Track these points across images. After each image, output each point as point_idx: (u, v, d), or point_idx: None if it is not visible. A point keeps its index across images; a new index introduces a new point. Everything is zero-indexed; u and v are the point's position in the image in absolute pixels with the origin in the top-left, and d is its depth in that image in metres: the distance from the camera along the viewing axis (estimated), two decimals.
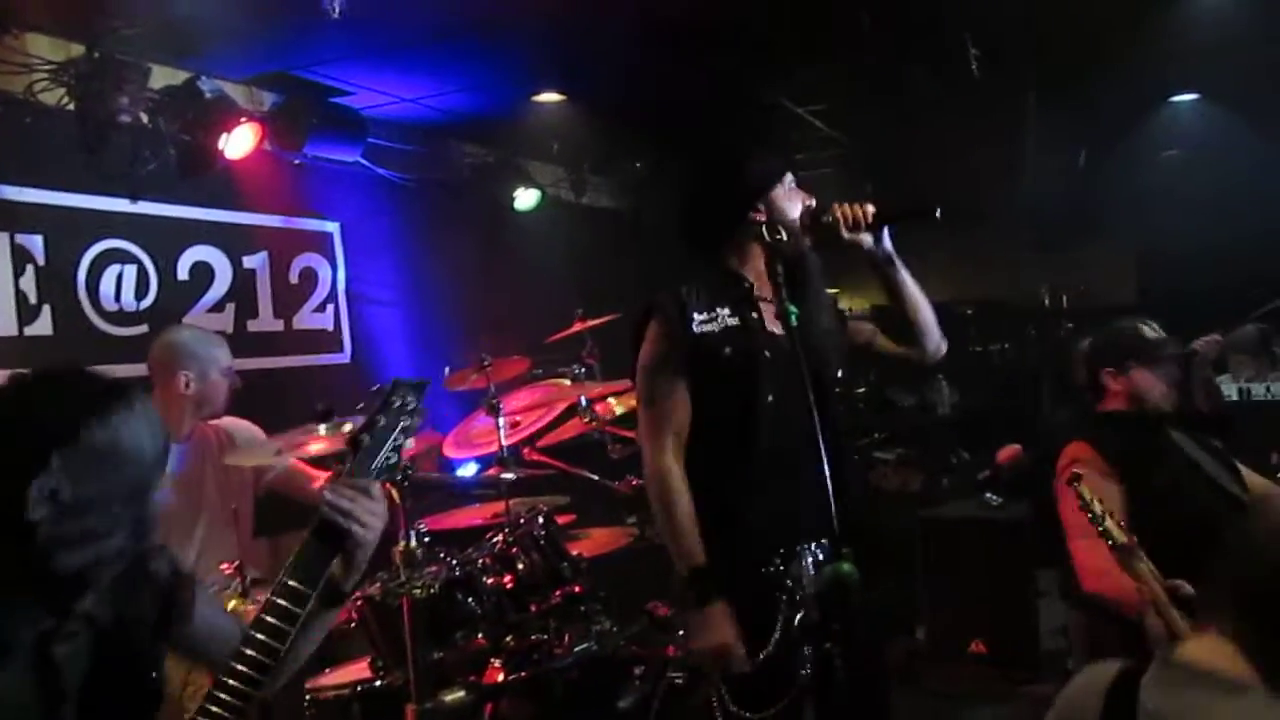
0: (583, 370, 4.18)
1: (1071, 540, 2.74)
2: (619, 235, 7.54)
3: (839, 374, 2.52)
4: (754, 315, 2.43)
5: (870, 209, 2.42)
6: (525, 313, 5.95)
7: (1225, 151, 6.86)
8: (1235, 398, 5.59)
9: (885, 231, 2.47)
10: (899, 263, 2.51)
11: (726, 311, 2.41)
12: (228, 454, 3.40)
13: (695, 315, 2.39)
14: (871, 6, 4.46)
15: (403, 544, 2.70)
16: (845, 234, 2.43)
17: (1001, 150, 6.25)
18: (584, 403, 3.93)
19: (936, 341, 2.61)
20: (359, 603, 3.04)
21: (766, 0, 4.50)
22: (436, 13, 4.24)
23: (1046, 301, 8.54)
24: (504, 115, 5.79)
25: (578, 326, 4.34)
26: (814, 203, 2.50)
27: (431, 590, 2.90)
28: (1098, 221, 8.11)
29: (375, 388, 1.77)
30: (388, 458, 1.70)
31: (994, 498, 5.90)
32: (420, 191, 5.99)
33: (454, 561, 3.20)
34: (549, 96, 5.62)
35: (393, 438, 1.71)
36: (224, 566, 3.10)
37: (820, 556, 2.33)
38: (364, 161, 5.50)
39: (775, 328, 2.40)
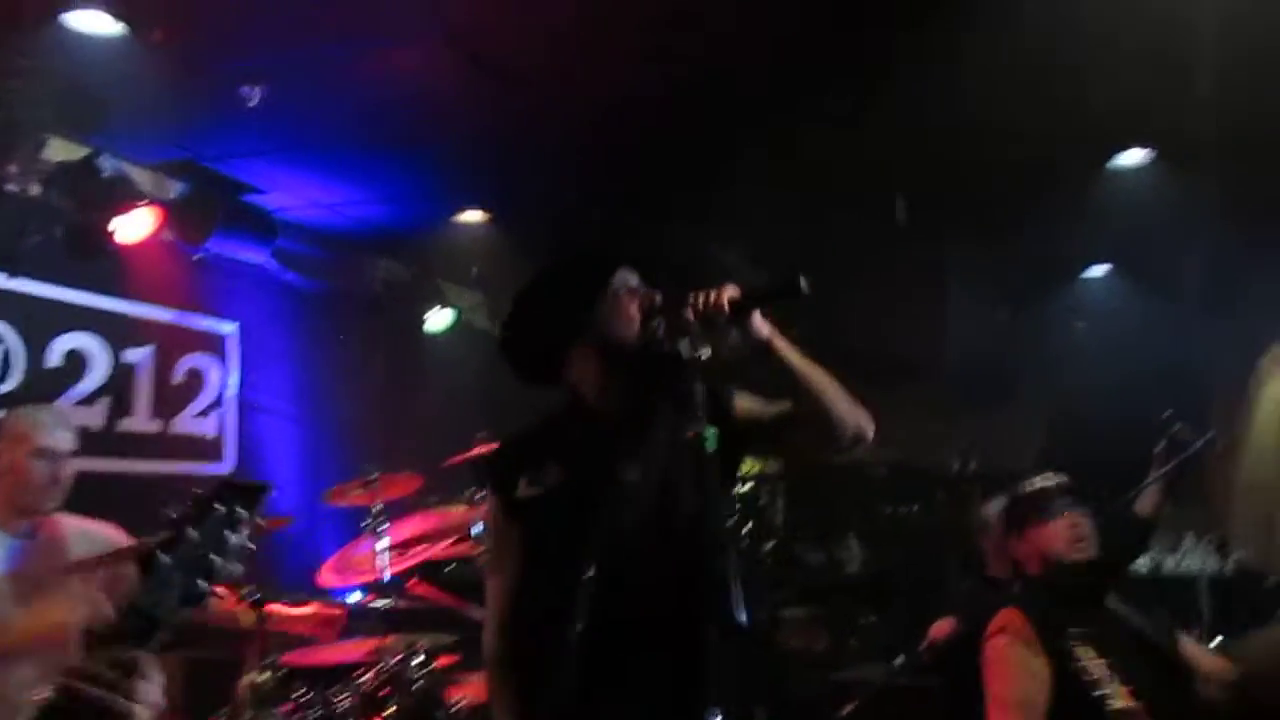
0: (482, 496, 3.88)
1: (995, 711, 2.53)
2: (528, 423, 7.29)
3: (717, 512, 1.94)
4: (596, 466, 2.06)
5: (728, 295, 1.98)
6: (427, 437, 5.65)
7: (1133, 323, 7.01)
8: (1144, 573, 5.53)
9: (754, 317, 2.01)
10: (781, 343, 2.05)
11: (558, 466, 2.10)
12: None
13: (520, 479, 2.11)
14: (806, 145, 4.44)
15: (251, 676, 2.34)
16: (699, 331, 1.97)
17: (924, 305, 6.26)
18: (481, 529, 3.62)
19: (854, 426, 2.11)
20: None
21: (703, 128, 4.45)
22: (360, 116, 4.09)
23: (956, 466, 8.52)
24: (423, 231, 5.63)
25: (478, 450, 4.07)
26: (658, 298, 2.10)
27: None
28: (1010, 387, 8.21)
29: (196, 491, 1.38)
30: (192, 587, 1.30)
31: (900, 662, 5.69)
32: (328, 301, 5.74)
33: (312, 701, 2.82)
34: (472, 216, 5.47)
35: (207, 558, 1.32)
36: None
37: None
38: (270, 263, 5.24)
39: (629, 469, 2.05)
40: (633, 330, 2.08)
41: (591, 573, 1.96)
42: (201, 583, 1.30)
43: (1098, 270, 7.00)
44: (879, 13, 3.62)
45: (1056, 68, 3.92)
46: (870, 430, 2.15)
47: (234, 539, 1.34)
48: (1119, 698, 2.19)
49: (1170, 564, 5.84)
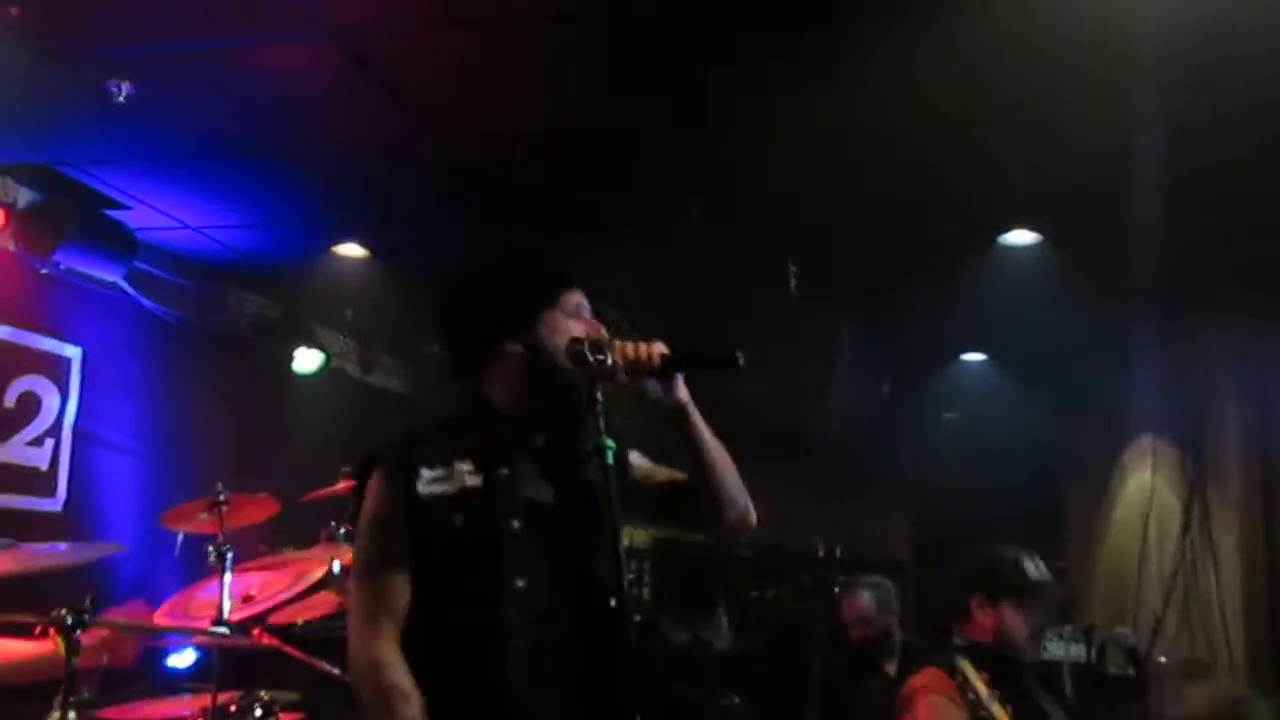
0: (343, 532, 3.58)
1: None
2: (405, 425, 6.97)
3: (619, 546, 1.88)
4: (504, 471, 1.97)
5: (658, 350, 1.95)
6: (286, 482, 5.29)
7: (1003, 412, 7.16)
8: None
9: (678, 379, 1.99)
10: (695, 415, 2.02)
11: (468, 467, 1.95)
12: None
13: (424, 471, 1.94)
14: (703, 198, 4.38)
15: (55, 716, 2.00)
16: (623, 377, 1.95)
17: (810, 380, 6.25)
18: (336, 570, 3.32)
19: (740, 511, 2.08)
20: None
21: (597, 179, 4.34)
22: (235, 121, 3.82)
23: (821, 551, 8.53)
24: (296, 263, 5.32)
25: (342, 485, 3.77)
26: (603, 333, 2.04)
27: None
28: (880, 472, 8.28)
29: None
30: None
31: None
32: (186, 332, 5.35)
33: None
34: (350, 249, 5.21)
35: None
36: None
37: None
38: (125, 285, 4.87)
39: (536, 487, 1.97)
40: (561, 356, 1.98)
41: (521, 585, 1.86)
42: None
43: (973, 356, 7.13)
44: (776, 75, 3.60)
45: (954, 138, 3.98)
46: (753, 520, 2.13)
47: None
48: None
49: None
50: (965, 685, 2.32)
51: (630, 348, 1.96)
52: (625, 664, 1.80)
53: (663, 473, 2.15)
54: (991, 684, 2.41)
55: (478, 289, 2.13)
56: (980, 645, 2.71)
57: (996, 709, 2.33)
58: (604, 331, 2.05)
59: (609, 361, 1.92)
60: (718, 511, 2.06)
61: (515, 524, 1.91)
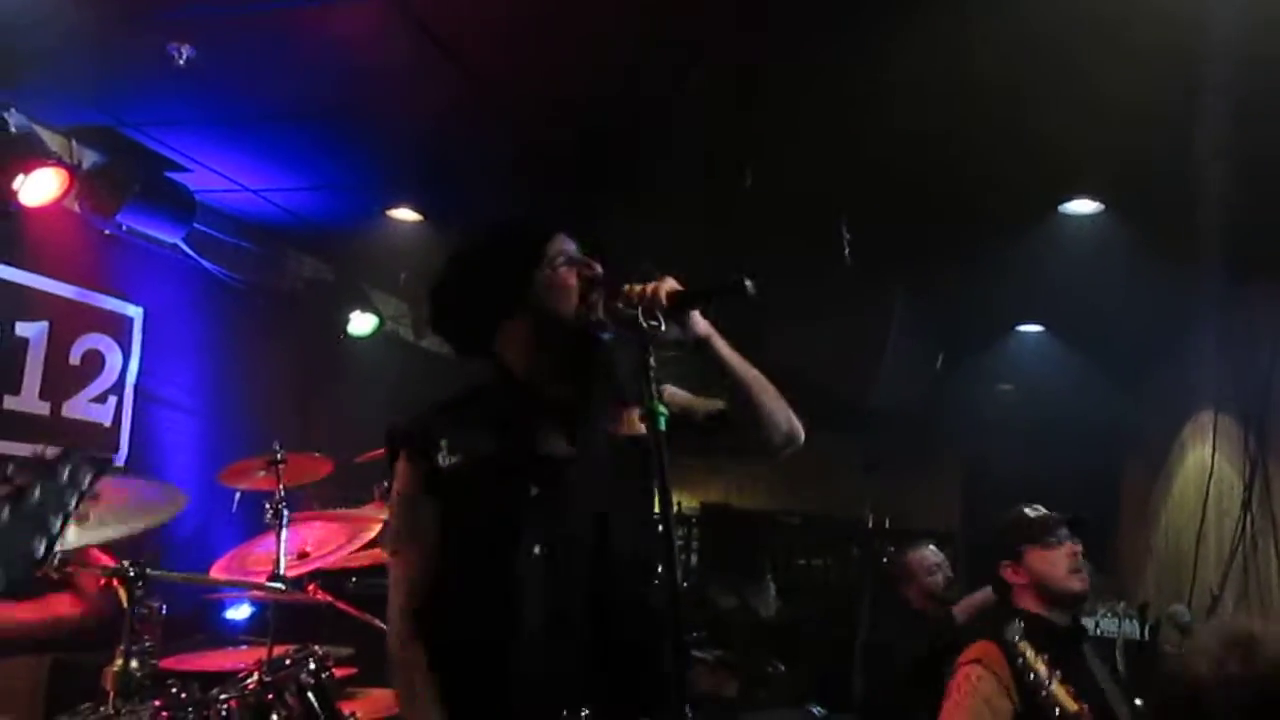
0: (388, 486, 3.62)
1: None
2: (455, 388, 7.02)
3: (650, 503, 1.86)
4: (525, 436, 1.96)
5: (668, 288, 1.89)
6: (338, 436, 5.36)
7: (1059, 385, 7.04)
8: None
9: (693, 315, 1.94)
10: (719, 342, 1.98)
11: (489, 436, 1.95)
12: None
13: (444, 444, 1.94)
14: (759, 166, 4.34)
15: (119, 664, 2.06)
16: (642, 321, 1.87)
17: (864, 348, 6.19)
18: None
19: (786, 428, 2.05)
20: None
21: (657, 146, 4.32)
22: (296, 86, 3.85)
23: (870, 521, 8.50)
24: (353, 228, 5.36)
25: None
26: (599, 270, 1.99)
27: None
28: (929, 444, 8.20)
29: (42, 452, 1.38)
30: (31, 544, 1.29)
31: (819, 710, 5.57)
32: (244, 293, 5.43)
33: (186, 701, 2.53)
34: (405, 214, 5.23)
35: (46, 519, 1.31)
36: None
37: None
38: (185, 247, 4.95)
39: (562, 448, 1.96)
40: (570, 302, 1.96)
41: (538, 551, 1.85)
42: (38, 542, 1.30)
43: (1030, 327, 7.01)
44: (841, 41, 3.54)
45: (1016, 108, 3.89)
46: (802, 434, 2.08)
47: (73, 505, 1.34)
48: (1067, 701, 2.19)
49: (1089, 626, 5.79)
50: (1025, 668, 2.33)
51: (639, 289, 1.89)
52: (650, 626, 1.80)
53: (704, 404, 2.11)
54: (1051, 663, 2.39)
55: (461, 274, 2.09)
56: (1032, 617, 2.69)
57: (1058, 689, 2.32)
58: (597, 269, 2.00)
59: (617, 306, 1.89)
60: (763, 434, 2.03)
61: (534, 490, 1.90)
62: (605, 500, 1.91)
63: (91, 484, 1.37)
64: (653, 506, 1.75)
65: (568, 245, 2.01)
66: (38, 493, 1.31)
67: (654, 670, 1.81)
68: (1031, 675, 2.35)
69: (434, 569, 1.93)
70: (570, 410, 1.99)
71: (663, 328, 1.87)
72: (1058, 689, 2.33)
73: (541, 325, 1.97)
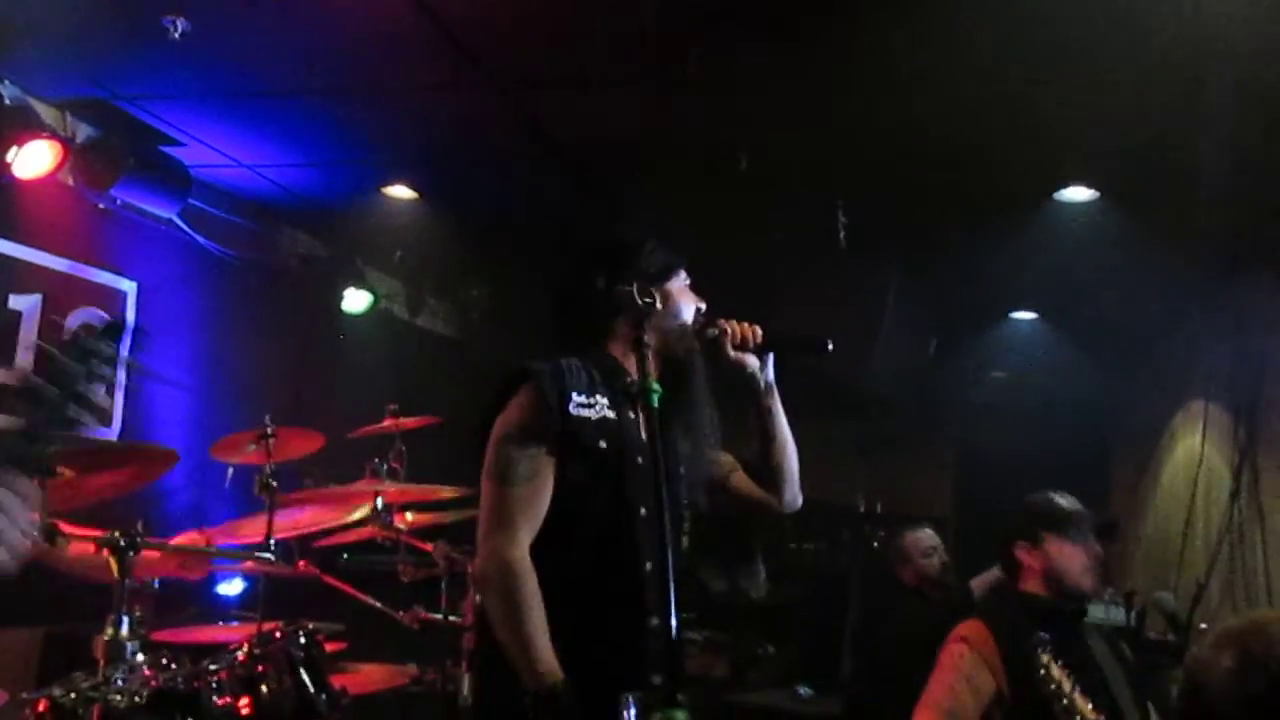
0: (386, 469, 3.65)
1: (922, 710, 2.47)
2: (450, 367, 7.04)
3: (697, 505, 2.23)
4: (631, 415, 2.14)
5: (759, 330, 2.22)
6: (332, 418, 5.38)
7: (1052, 372, 7.05)
8: None
9: (769, 358, 2.27)
10: (776, 396, 2.28)
11: (605, 402, 2.12)
12: None
13: (574, 394, 2.08)
14: (751, 148, 4.33)
15: (109, 632, 2.07)
16: (731, 351, 2.19)
17: (858, 330, 6.21)
18: (379, 506, 3.39)
19: (795, 492, 2.35)
20: (39, 707, 2.34)
21: (653, 128, 4.32)
22: (293, 60, 3.84)
23: (862, 506, 8.53)
24: (347, 205, 5.36)
25: (389, 424, 3.84)
26: (704, 306, 2.28)
27: (137, 700, 2.26)
28: (922, 430, 8.21)
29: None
30: (65, 409, 1.36)
31: (806, 691, 5.62)
32: (238, 269, 5.42)
33: (177, 671, 2.55)
34: (400, 191, 5.23)
35: (78, 385, 1.39)
36: None
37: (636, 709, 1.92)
38: (179, 222, 4.94)
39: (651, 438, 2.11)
40: (687, 327, 2.22)
41: (644, 512, 2.02)
42: (73, 407, 1.37)
43: (1024, 314, 7.02)
44: (837, 25, 3.54)
45: (1012, 93, 3.89)
46: (799, 501, 2.38)
47: (103, 371, 1.43)
48: (1087, 713, 2.21)
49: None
50: (1046, 677, 2.32)
51: (735, 325, 2.20)
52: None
53: (728, 460, 2.34)
54: (1067, 668, 2.38)
55: (613, 252, 2.28)
56: (1036, 599, 2.71)
57: (1079, 700, 2.31)
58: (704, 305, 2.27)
59: (719, 335, 2.18)
60: (779, 487, 2.30)
61: (640, 459, 2.05)
62: (676, 488, 2.09)
63: (116, 352, 1.46)
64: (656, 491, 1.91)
65: (688, 279, 2.30)
66: (68, 361, 1.39)
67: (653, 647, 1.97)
68: (1053, 685, 2.34)
69: (546, 503, 2.02)
70: (659, 409, 2.08)
71: (747, 362, 2.20)
72: (1079, 700, 2.32)
73: (654, 333, 2.10)
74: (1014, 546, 2.79)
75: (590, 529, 2.03)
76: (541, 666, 1.87)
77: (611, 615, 2.00)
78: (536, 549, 1.99)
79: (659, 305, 2.11)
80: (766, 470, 2.30)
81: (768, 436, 2.27)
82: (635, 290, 2.04)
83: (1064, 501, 2.81)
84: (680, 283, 2.27)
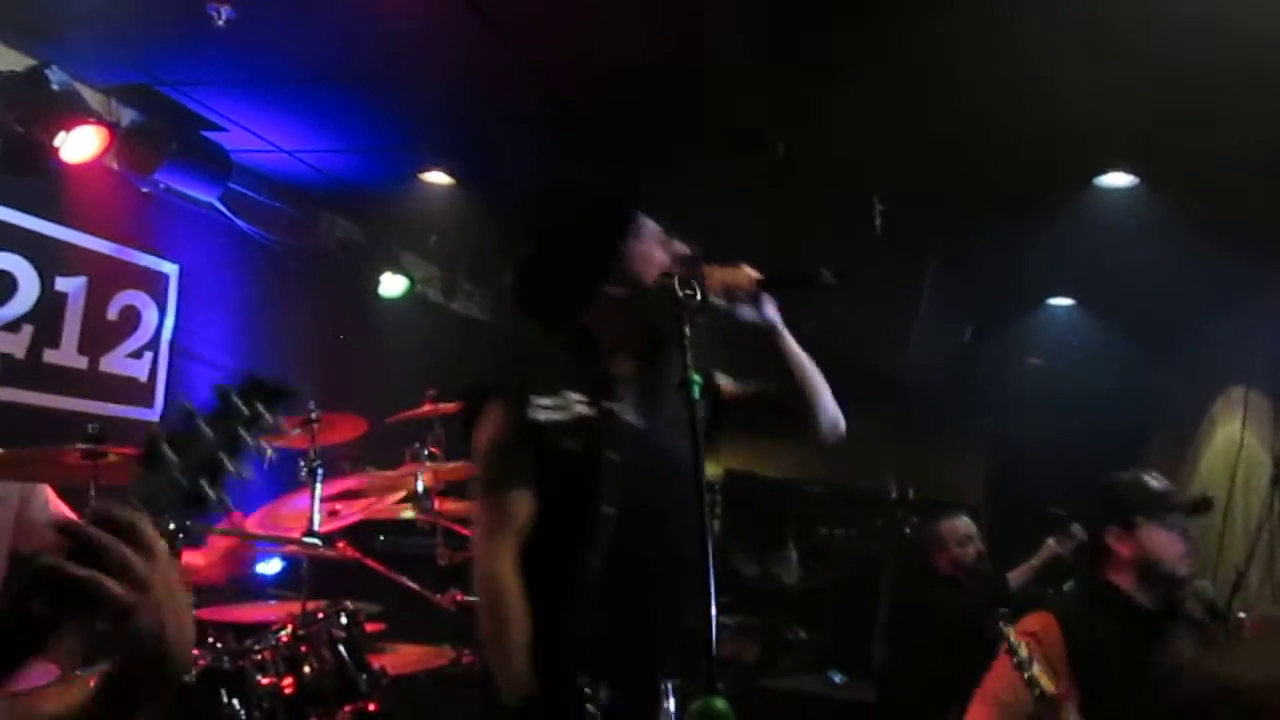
0: (426, 453, 3.69)
1: (977, 701, 2.47)
2: (485, 351, 7.09)
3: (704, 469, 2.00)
4: (610, 403, 2.03)
5: (750, 274, 2.04)
6: (371, 395, 5.43)
7: (1089, 359, 6.98)
8: None
9: (768, 301, 2.08)
10: (784, 332, 2.11)
11: (577, 397, 2.01)
12: None
13: (536, 398, 1.99)
14: (790, 136, 4.32)
15: None
16: (720, 302, 2.01)
17: (894, 318, 6.18)
18: (420, 490, 3.43)
19: (833, 419, 2.19)
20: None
21: (688, 113, 4.31)
22: (332, 47, 3.87)
23: (894, 493, 8.49)
24: (385, 191, 5.40)
25: (427, 408, 3.88)
26: (688, 251, 2.12)
27: (186, 678, 2.31)
28: (956, 416, 8.17)
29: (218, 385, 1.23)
30: (196, 488, 1.14)
31: (839, 677, 5.63)
32: (277, 253, 5.48)
33: (222, 650, 2.61)
34: (437, 177, 5.26)
35: (217, 457, 1.17)
36: None
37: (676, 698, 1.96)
38: (220, 206, 5.00)
39: (637, 418, 2.06)
40: (656, 274, 2.06)
41: (610, 512, 1.93)
42: (206, 486, 1.15)
43: (1061, 300, 6.95)
44: (874, 15, 3.51)
45: (1050, 78, 3.85)
46: (843, 429, 2.23)
47: (250, 440, 1.20)
48: (1045, 682, 2.20)
49: None
50: (1011, 648, 2.30)
51: (723, 272, 2.03)
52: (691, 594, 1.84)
53: (748, 389, 2.24)
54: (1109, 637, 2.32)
55: (557, 248, 2.20)
56: (1116, 593, 2.56)
57: (1040, 675, 2.28)
58: (682, 246, 2.12)
59: (697, 295, 1.95)
60: (813, 420, 2.16)
61: (613, 455, 1.97)
62: (669, 470, 1.98)
63: (275, 417, 1.25)
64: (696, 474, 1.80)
65: (654, 225, 2.14)
66: (209, 430, 1.17)
67: (684, 635, 1.93)
68: (1016, 659, 2.31)
69: (526, 511, 1.99)
70: (645, 383, 2.08)
71: (741, 309, 2.04)
72: (1039, 675, 2.28)
73: (634, 295, 2.05)
74: (1104, 533, 2.60)
75: (558, 530, 1.98)
76: (514, 678, 1.88)
77: (614, 613, 1.94)
78: (532, 555, 1.98)
79: (631, 261, 2.05)
80: (795, 403, 2.16)
81: (785, 371, 2.13)
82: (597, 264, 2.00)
83: (1155, 482, 2.63)
84: (647, 229, 2.12)
